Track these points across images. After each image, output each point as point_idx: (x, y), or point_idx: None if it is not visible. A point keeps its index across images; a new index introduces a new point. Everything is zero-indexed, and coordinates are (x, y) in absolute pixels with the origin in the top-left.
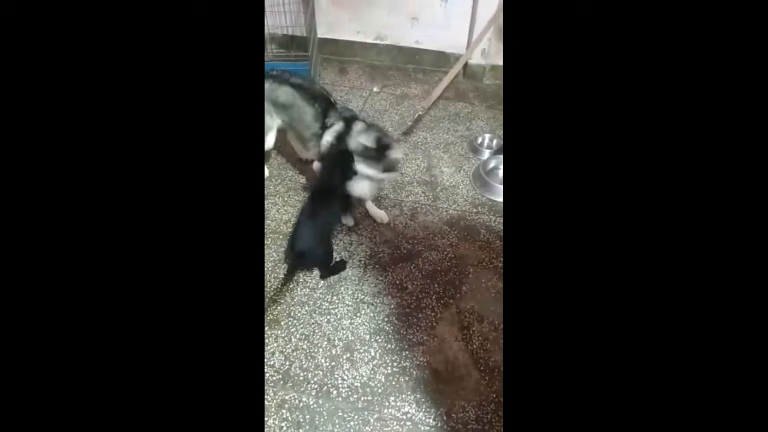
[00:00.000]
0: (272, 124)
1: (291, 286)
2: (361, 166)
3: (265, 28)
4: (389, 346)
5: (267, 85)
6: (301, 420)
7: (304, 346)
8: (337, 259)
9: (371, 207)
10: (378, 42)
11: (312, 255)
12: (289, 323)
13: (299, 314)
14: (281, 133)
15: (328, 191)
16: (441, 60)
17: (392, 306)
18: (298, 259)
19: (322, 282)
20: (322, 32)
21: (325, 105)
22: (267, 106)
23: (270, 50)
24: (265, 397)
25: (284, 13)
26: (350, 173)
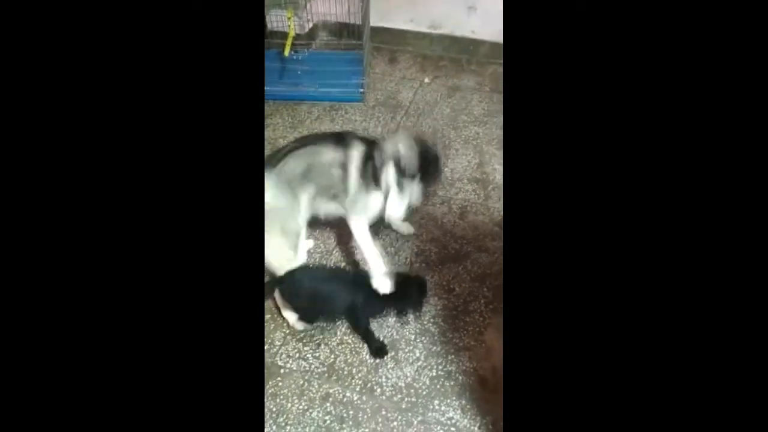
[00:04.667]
0: (301, 223)
1: None
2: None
3: (316, 15)
4: (434, 348)
5: (267, 172)
6: (345, 415)
7: (349, 341)
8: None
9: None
10: (431, 31)
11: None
12: None
13: None
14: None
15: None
16: (497, 51)
17: (438, 307)
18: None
19: None
20: (374, 20)
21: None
22: (288, 202)
23: (320, 38)
24: (310, 388)
25: (338, 0)
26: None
